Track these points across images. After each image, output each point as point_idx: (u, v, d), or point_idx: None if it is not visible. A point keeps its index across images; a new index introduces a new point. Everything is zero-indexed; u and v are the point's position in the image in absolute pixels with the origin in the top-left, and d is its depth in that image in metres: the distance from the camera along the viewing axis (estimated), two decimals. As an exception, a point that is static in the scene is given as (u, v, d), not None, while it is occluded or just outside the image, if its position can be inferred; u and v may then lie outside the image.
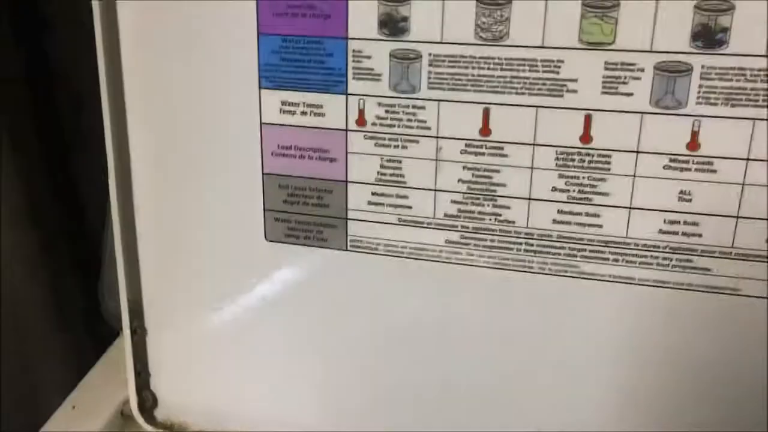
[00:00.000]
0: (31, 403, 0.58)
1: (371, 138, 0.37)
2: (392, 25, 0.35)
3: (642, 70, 0.33)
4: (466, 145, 0.36)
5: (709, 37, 0.32)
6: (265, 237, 0.41)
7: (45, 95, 0.63)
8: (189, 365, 0.46)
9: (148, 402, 0.46)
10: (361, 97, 0.37)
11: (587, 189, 0.35)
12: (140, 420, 0.45)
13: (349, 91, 0.37)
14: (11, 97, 0.59)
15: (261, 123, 0.39)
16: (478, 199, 0.37)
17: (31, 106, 0.62)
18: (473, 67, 0.35)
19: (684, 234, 0.35)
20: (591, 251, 0.36)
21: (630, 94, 0.33)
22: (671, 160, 0.34)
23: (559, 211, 0.36)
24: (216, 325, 0.44)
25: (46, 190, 0.62)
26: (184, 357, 0.45)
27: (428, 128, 0.36)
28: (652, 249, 0.35)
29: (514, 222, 0.37)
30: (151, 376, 0.46)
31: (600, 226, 0.36)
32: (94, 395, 0.47)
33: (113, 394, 0.47)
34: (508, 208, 0.37)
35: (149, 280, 0.44)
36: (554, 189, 0.36)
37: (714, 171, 0.33)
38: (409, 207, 0.38)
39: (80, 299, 0.65)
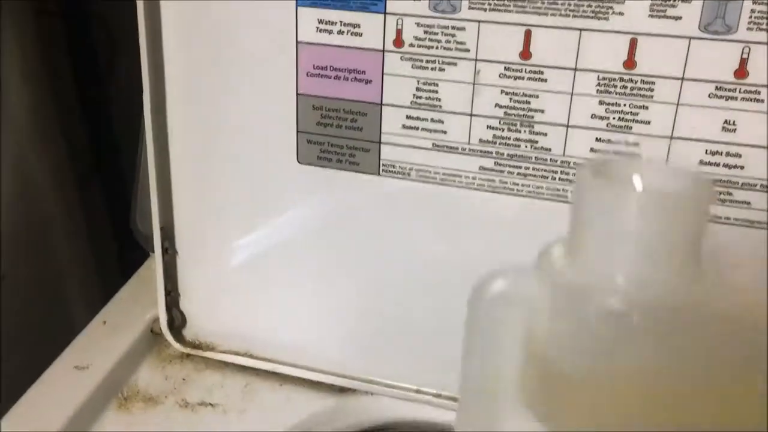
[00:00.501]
0: (63, 320, 0.59)
1: (408, 59, 0.37)
2: (435, -59, 0.34)
3: (693, -8, 0.32)
4: (505, 69, 0.35)
5: (765, -41, 0.30)
6: (298, 159, 0.41)
7: (81, 31, 0.62)
8: (218, 287, 0.46)
9: (177, 321, 0.47)
10: (400, 16, 0.36)
11: (628, 117, 0.35)
12: (169, 337, 0.46)
13: (388, 11, 0.36)
14: (47, 30, 0.59)
15: (297, 42, 0.38)
16: (515, 124, 0.36)
17: (65, 40, 0.62)
18: (517, -13, 0.34)
19: (725, 165, 0.34)
20: (628, 181, 0.36)
21: (678, 18, 0.32)
22: (717, 88, 0.33)
23: (598, 140, 0.35)
24: (246, 249, 0.44)
25: (79, 112, 0.62)
26: (214, 279, 0.46)
27: (467, 50, 0.36)
28: (691, 180, 0.35)
29: (550, 150, 0.36)
30: (181, 296, 0.47)
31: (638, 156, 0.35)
32: (124, 312, 0.48)
33: (143, 311, 0.48)
34: (545, 135, 0.36)
35: (181, 202, 0.44)
36: (594, 116, 0.35)
37: (761, 101, 0.32)
38: (444, 132, 0.38)
39: (113, 222, 0.66)
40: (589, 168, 0.22)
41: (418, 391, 0.44)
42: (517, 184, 0.38)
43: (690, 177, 0.21)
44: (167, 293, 0.46)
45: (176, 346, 0.47)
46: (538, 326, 0.23)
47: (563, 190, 0.37)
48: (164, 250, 0.45)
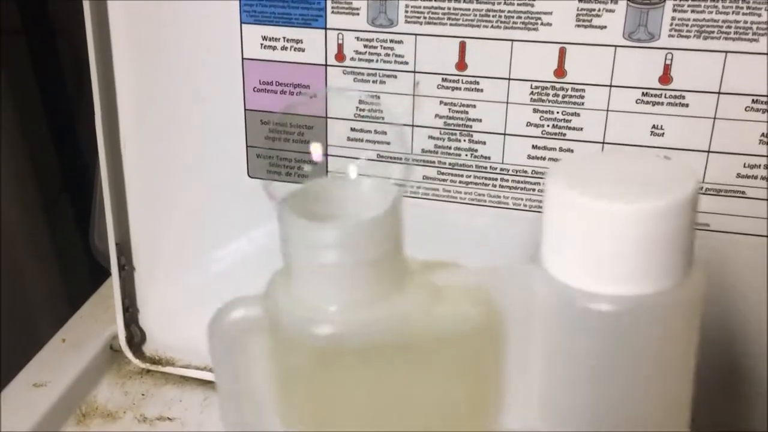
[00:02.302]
0: (32, 342, 0.59)
1: (350, 73, 0.38)
2: (370, -42, 0.35)
3: (615, 2, 0.33)
4: (442, 80, 0.36)
5: (682, -31, 0.32)
6: (248, 173, 0.42)
7: (46, 49, 0.63)
8: (176, 303, 0.47)
9: (136, 337, 0.47)
10: (340, 31, 0.37)
11: (561, 124, 0.36)
12: (128, 354, 0.47)
13: (329, 26, 0.37)
14: (11, 48, 0.60)
15: (243, 58, 0.39)
16: (454, 134, 0.37)
17: (30, 57, 0.63)
18: (449, 0, 0.35)
19: (656, 169, 0.35)
20: (565, 186, 0.37)
21: (603, 27, 0.33)
22: (643, 94, 0.34)
23: (534, 147, 0.36)
24: (202, 264, 0.45)
25: (44, 136, 0.63)
26: (172, 295, 0.46)
27: (406, 63, 0.37)
28: (624, 184, 0.36)
29: (489, 158, 0.37)
30: (140, 312, 0.47)
31: (573, 161, 0.36)
32: (84, 329, 0.48)
33: (103, 328, 0.48)
34: (484, 143, 0.37)
35: (137, 219, 0.45)
36: (529, 124, 0.36)
37: (686, 105, 0.34)
38: (388, 143, 0.39)
39: (82, 242, 0.66)
40: (291, 201, 0.24)
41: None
42: (460, 192, 0.38)
43: (387, 192, 0.23)
44: (125, 310, 0.46)
45: (135, 362, 0.47)
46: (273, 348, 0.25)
47: (504, 196, 0.38)
48: (121, 267, 0.46)
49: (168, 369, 0.47)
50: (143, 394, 0.46)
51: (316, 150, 0.37)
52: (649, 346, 0.22)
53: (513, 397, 0.25)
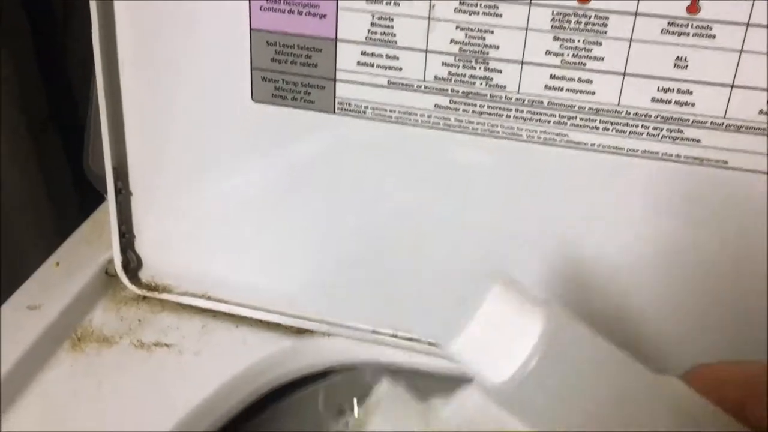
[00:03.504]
0: (19, 268, 0.58)
1: (363, -7, 0.36)
2: None
3: (647, -76, 0.31)
4: (460, 3, 0.35)
5: None
6: (252, 97, 0.40)
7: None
8: (174, 229, 0.46)
9: (132, 262, 0.46)
10: (354, -52, 0.35)
11: (582, 53, 0.34)
12: (124, 279, 0.46)
13: (342, -58, 0.35)
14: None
15: (250, -26, 0.37)
16: (469, 61, 0.36)
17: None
18: None
19: (677, 103, 0.34)
20: (581, 119, 0.36)
21: (633, -49, 0.32)
22: (669, 24, 0.33)
23: (552, 76, 0.35)
24: (202, 189, 0.44)
25: (35, 57, 0.61)
26: (169, 220, 0.45)
27: (422, -17, 0.35)
28: (643, 118, 0.35)
29: (505, 87, 0.36)
30: (136, 238, 0.46)
31: (592, 93, 0.35)
32: (78, 254, 0.47)
33: (97, 253, 0.47)
34: (500, 71, 0.36)
35: (134, 141, 0.44)
36: (548, 52, 0.35)
37: (712, 36, 0.32)
38: (399, 69, 0.37)
39: (71, 167, 0.65)
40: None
41: (374, 332, 0.44)
42: (472, 122, 0.37)
43: None
44: (122, 235, 0.45)
45: (132, 288, 0.46)
46: None
47: (518, 128, 0.37)
48: (118, 191, 0.44)
49: (165, 296, 0.46)
50: (139, 320, 0.45)
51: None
52: None
53: None
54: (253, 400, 0.44)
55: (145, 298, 0.47)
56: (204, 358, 0.43)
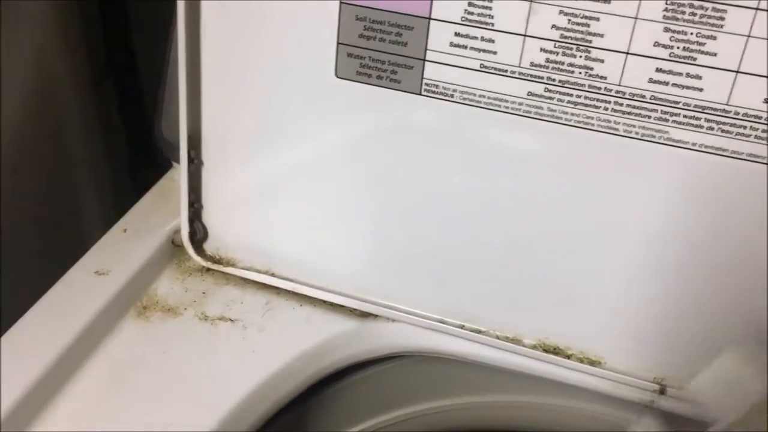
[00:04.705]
0: (74, 219, 0.58)
1: (463, -29, 0.35)
2: None
3: None
4: (566, -13, 0.33)
5: None
6: (336, 73, 0.39)
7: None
8: (243, 202, 0.45)
9: (199, 233, 0.46)
10: (458, -77, 0.34)
11: (694, 47, 0.33)
12: (190, 250, 0.45)
13: None
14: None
15: (345, -55, 0.36)
16: (570, 48, 0.34)
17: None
18: None
19: (792, 105, 0.32)
20: (685, 116, 0.34)
21: (762, -59, 0.30)
22: (795, 21, 0.31)
23: (658, 70, 0.33)
24: (274, 164, 0.43)
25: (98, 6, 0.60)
26: (239, 193, 0.45)
27: (528, -36, 0.34)
28: (753, 119, 0.33)
29: (606, 78, 0.34)
30: (204, 209, 0.45)
31: (700, 90, 0.33)
32: (145, 221, 0.47)
33: (164, 222, 0.47)
34: (602, 61, 0.34)
35: (210, 111, 0.43)
36: (656, 44, 0.33)
37: (840, 37, 0.30)
38: (494, 52, 0.36)
39: (127, 123, 0.64)
40: None
41: (441, 321, 0.43)
42: (566, 113, 0.36)
43: None
44: (190, 205, 0.45)
45: (197, 259, 0.46)
46: None
47: (615, 122, 0.35)
48: (190, 161, 0.44)
49: (229, 269, 0.46)
50: (204, 293, 0.45)
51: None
52: None
53: None
54: (314, 382, 0.43)
55: (209, 270, 0.46)
56: (267, 335, 0.43)
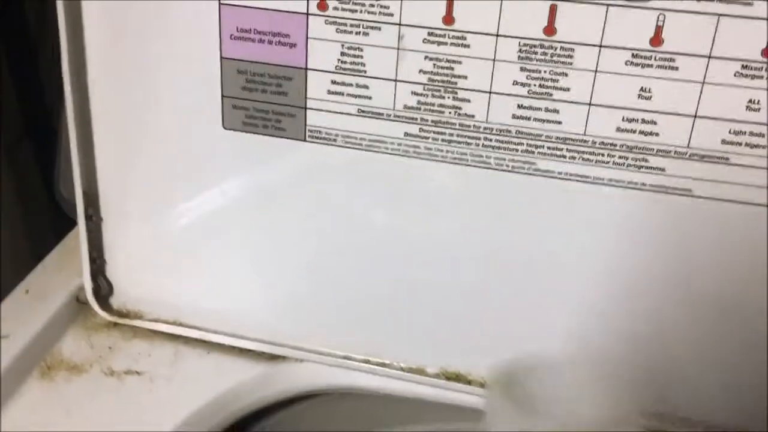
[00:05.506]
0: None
1: (332, 23, 0.36)
2: None
3: (610, -41, 0.32)
4: (428, 34, 0.35)
5: (680, -73, 0.31)
6: (223, 125, 0.40)
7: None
8: (145, 255, 0.45)
9: (103, 289, 0.46)
10: (324, -21, 0.36)
11: (548, 84, 0.35)
12: (95, 306, 0.45)
13: (311, -27, 0.36)
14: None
15: (220, 3, 0.37)
16: (438, 91, 0.36)
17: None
18: (439, -50, 0.34)
19: (641, 132, 0.35)
20: (549, 148, 0.36)
21: (596, -15, 0.32)
22: (633, 56, 0.33)
23: (519, 106, 0.36)
24: (173, 216, 0.44)
25: (11, 79, 0.60)
26: (141, 246, 0.45)
27: (390, 14, 0.35)
28: (609, 147, 0.35)
29: (473, 116, 0.37)
30: (107, 264, 0.46)
31: (559, 123, 0.35)
32: (48, 280, 0.47)
33: (68, 280, 0.47)
34: (469, 101, 0.36)
35: (105, 168, 0.43)
36: (515, 83, 0.35)
37: (675, 68, 0.33)
38: (369, 97, 0.38)
39: (44, 191, 0.64)
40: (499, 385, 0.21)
41: (347, 357, 0.44)
42: (442, 151, 0.38)
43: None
44: (92, 261, 0.45)
45: (102, 314, 0.46)
46: None
47: (486, 156, 0.37)
48: (88, 217, 0.44)
49: (136, 322, 0.46)
50: (110, 348, 0.45)
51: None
52: None
53: None
54: (226, 428, 0.44)
55: (116, 324, 0.46)
56: (176, 385, 0.43)
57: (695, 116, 0.34)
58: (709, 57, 0.32)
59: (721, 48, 0.32)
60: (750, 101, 0.33)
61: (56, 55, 0.40)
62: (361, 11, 0.36)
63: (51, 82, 0.62)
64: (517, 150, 0.37)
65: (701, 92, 0.33)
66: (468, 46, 0.35)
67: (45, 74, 0.63)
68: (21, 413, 0.40)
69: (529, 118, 0.36)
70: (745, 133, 0.33)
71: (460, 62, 0.36)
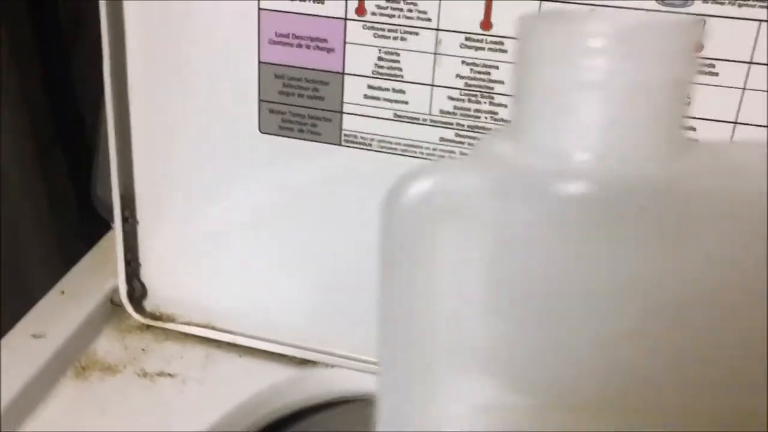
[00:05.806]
0: (22, 291, 0.58)
1: (370, 28, 0.37)
2: None
3: (650, -36, 0.32)
4: (466, 39, 0.36)
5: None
6: (259, 129, 0.41)
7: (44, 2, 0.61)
8: (180, 258, 0.46)
9: (137, 291, 0.46)
10: (362, -16, 0.36)
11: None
12: (129, 308, 0.46)
13: (350, -22, 0.36)
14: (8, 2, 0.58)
15: (259, 8, 0.38)
16: (475, 95, 0.37)
17: (28, 12, 0.61)
18: (478, -44, 0.34)
19: (680, 138, 0.35)
20: (585, 153, 0.36)
21: (636, -10, 0.32)
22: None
23: (556, 111, 0.36)
24: (208, 219, 0.44)
25: (42, 81, 0.61)
26: (175, 249, 0.46)
27: (428, 20, 0.36)
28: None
29: (510, 122, 0.36)
30: (141, 266, 0.46)
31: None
32: (83, 282, 0.48)
33: (103, 282, 0.48)
34: (505, 106, 0.36)
35: (142, 171, 0.44)
36: (553, 88, 0.35)
37: (716, 74, 0.33)
38: (406, 102, 0.38)
39: (75, 193, 0.65)
40: (536, 16, 0.17)
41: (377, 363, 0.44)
42: (477, 156, 0.38)
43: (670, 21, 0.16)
44: (127, 263, 0.46)
45: (136, 317, 0.46)
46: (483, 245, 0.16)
47: (522, 161, 0.37)
48: (124, 220, 0.45)
49: (169, 325, 0.46)
50: (143, 349, 0.45)
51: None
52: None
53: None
54: (257, 431, 0.44)
55: (149, 327, 0.47)
56: (207, 387, 0.43)
57: (735, 122, 0.33)
58: (750, 63, 0.32)
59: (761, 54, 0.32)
60: (792, 107, 0.33)
61: (91, 57, 0.41)
62: (399, 16, 0.36)
63: (83, 84, 0.63)
64: (553, 155, 0.36)
65: (741, 99, 0.33)
66: (505, 51, 0.35)
67: (78, 78, 0.64)
68: (55, 412, 0.41)
69: (565, 124, 0.36)
70: (786, 139, 0.33)
71: (497, 67, 0.36)
